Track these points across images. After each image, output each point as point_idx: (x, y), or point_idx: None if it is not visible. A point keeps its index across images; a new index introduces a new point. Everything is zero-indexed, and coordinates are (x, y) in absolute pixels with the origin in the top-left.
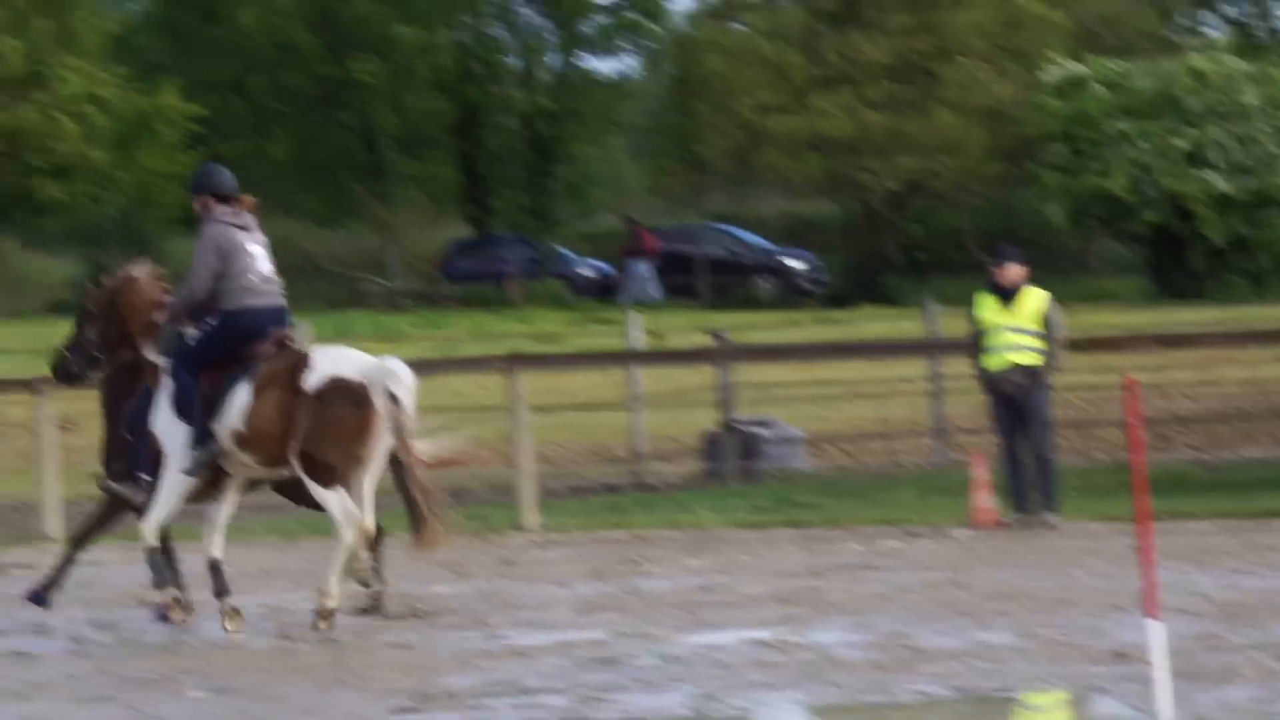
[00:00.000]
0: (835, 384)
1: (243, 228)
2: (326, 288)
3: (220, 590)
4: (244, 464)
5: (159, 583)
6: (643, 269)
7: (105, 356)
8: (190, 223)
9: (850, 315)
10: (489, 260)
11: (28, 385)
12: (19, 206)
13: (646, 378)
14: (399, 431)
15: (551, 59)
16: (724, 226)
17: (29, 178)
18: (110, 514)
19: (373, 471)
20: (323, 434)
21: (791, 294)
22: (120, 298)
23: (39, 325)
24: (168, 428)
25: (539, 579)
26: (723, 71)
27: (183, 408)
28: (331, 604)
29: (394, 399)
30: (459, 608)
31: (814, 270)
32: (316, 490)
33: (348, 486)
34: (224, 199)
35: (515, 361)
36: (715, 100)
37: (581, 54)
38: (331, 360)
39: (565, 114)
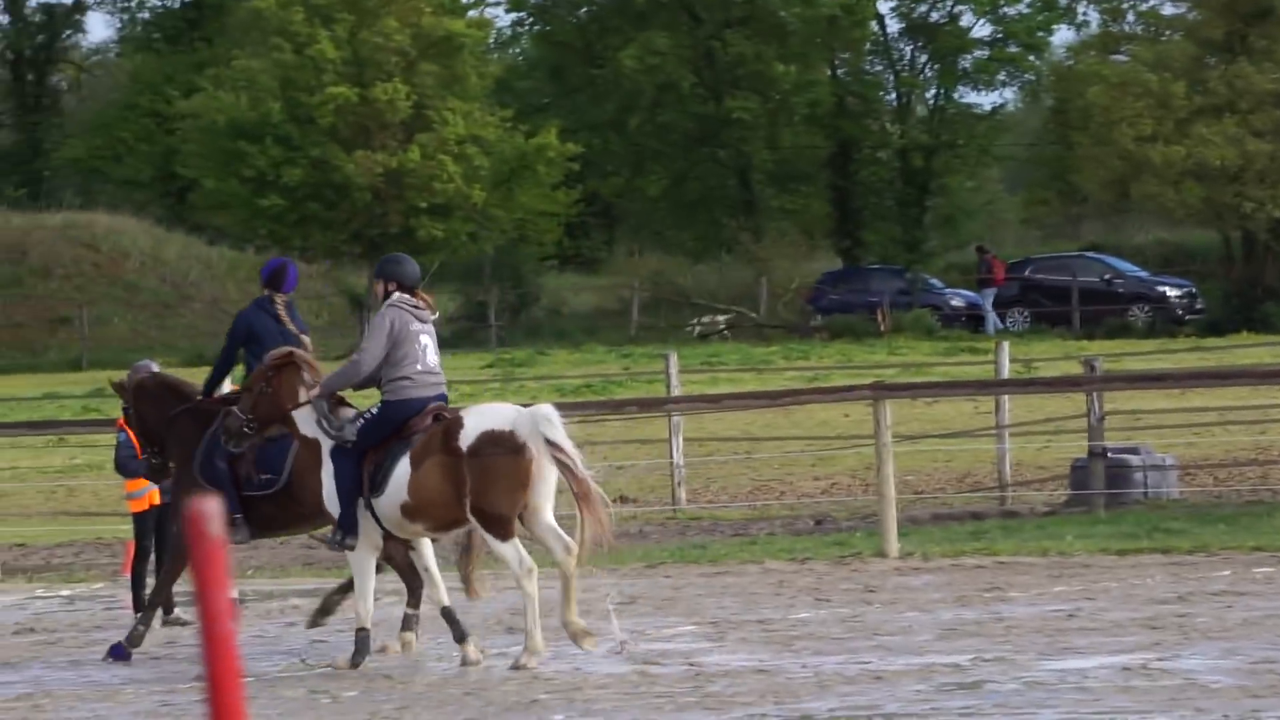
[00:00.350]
0: (1209, 411)
1: (419, 318)
2: (699, 320)
3: (459, 636)
4: (416, 532)
5: (358, 662)
6: (989, 296)
7: (255, 430)
8: (565, 259)
9: (1226, 342)
10: (858, 291)
11: None
12: (401, 245)
13: (1016, 406)
14: (564, 467)
15: (928, 93)
16: (1098, 255)
17: (411, 217)
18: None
19: (546, 509)
20: (486, 487)
21: (1167, 322)
22: (279, 376)
23: None
24: (333, 507)
25: (901, 604)
26: (1104, 102)
27: (341, 488)
28: (534, 662)
29: (549, 441)
30: (820, 633)
31: (1190, 298)
32: (493, 544)
33: (514, 532)
34: (407, 289)
35: (881, 390)
36: (1095, 131)
37: (959, 88)
38: (478, 416)
39: (940, 147)
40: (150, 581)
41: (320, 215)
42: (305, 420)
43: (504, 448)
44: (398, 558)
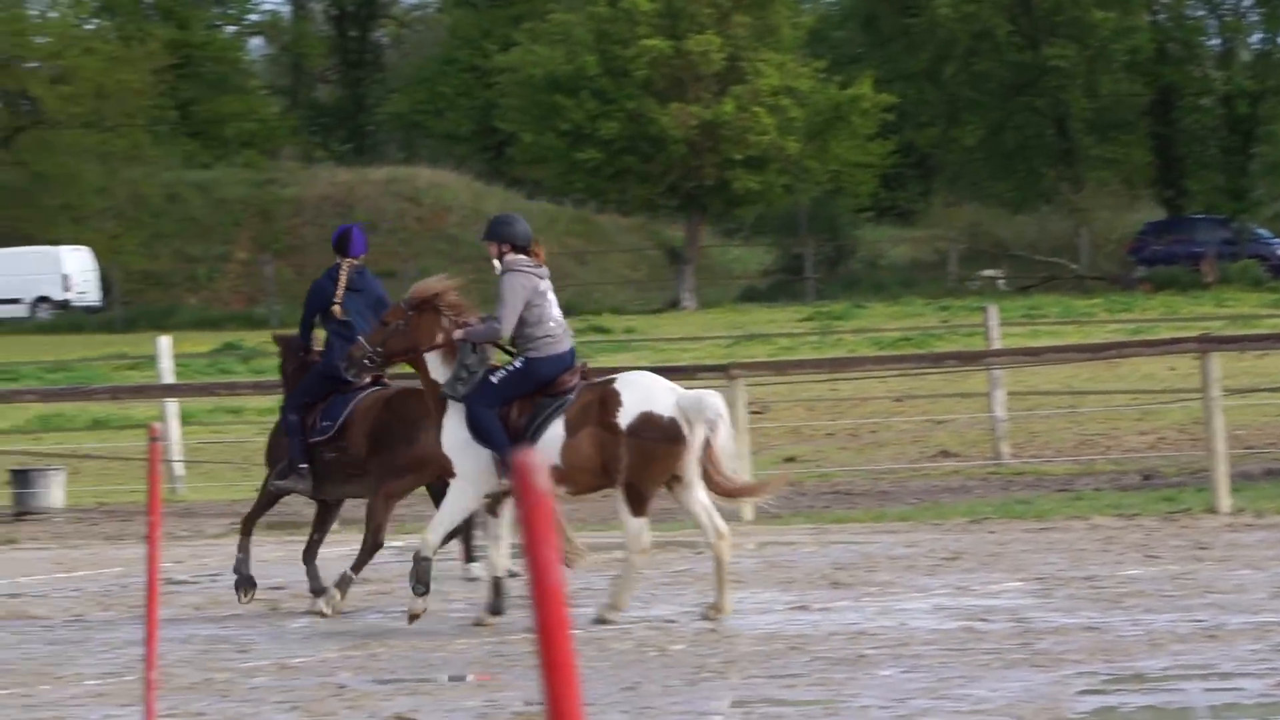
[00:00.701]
0: None
1: (539, 275)
2: (1017, 272)
3: (494, 608)
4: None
5: (420, 591)
6: None
7: (380, 362)
8: (881, 211)
9: None
10: (1183, 242)
11: (724, 370)
12: (716, 198)
13: None
14: (712, 461)
15: (1252, 37)
16: None
17: (726, 170)
18: (269, 503)
19: (698, 485)
20: (641, 468)
21: None
22: (419, 314)
23: (733, 313)
24: (460, 450)
25: (1234, 562)
26: None
27: (483, 436)
28: (615, 616)
29: (709, 429)
30: (1151, 590)
31: None
32: (626, 517)
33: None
34: (521, 249)
35: (1208, 343)
36: None
37: None
38: (637, 392)
39: (1266, 92)
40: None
41: (636, 168)
42: (435, 363)
43: (664, 434)
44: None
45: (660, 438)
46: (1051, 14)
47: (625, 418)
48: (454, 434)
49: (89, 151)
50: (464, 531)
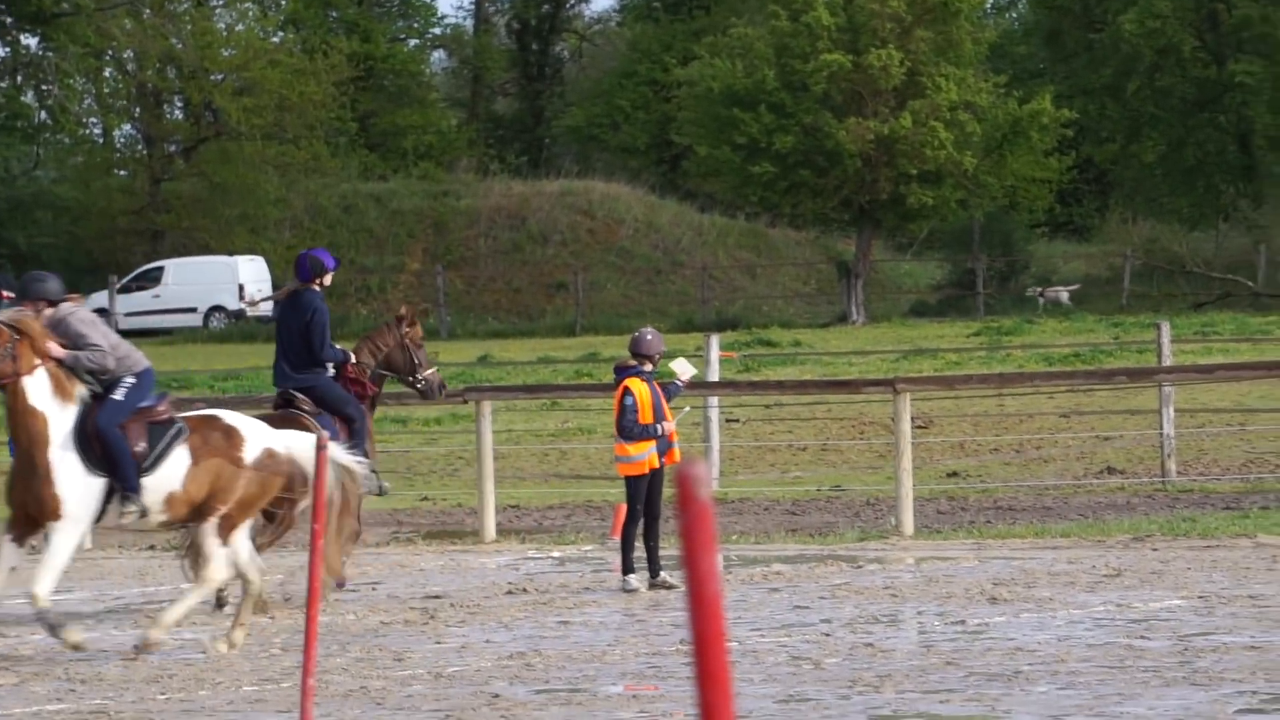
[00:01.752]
0: None
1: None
2: (1192, 289)
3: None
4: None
5: (56, 633)
6: None
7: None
8: (1056, 226)
9: None
10: None
11: (889, 384)
12: (889, 212)
13: None
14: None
15: None
16: None
17: (901, 184)
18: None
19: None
20: (249, 502)
21: None
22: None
23: (901, 328)
24: (72, 485)
25: None
26: None
27: (114, 458)
28: (159, 635)
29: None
30: None
31: None
32: (214, 545)
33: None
34: (55, 303)
35: None
36: None
37: None
38: (259, 431)
39: None
40: (640, 546)
41: (810, 182)
42: (39, 390)
43: (282, 470)
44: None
45: (279, 473)
46: (1238, 29)
47: (250, 452)
48: (68, 468)
49: (268, 163)
50: (627, 543)
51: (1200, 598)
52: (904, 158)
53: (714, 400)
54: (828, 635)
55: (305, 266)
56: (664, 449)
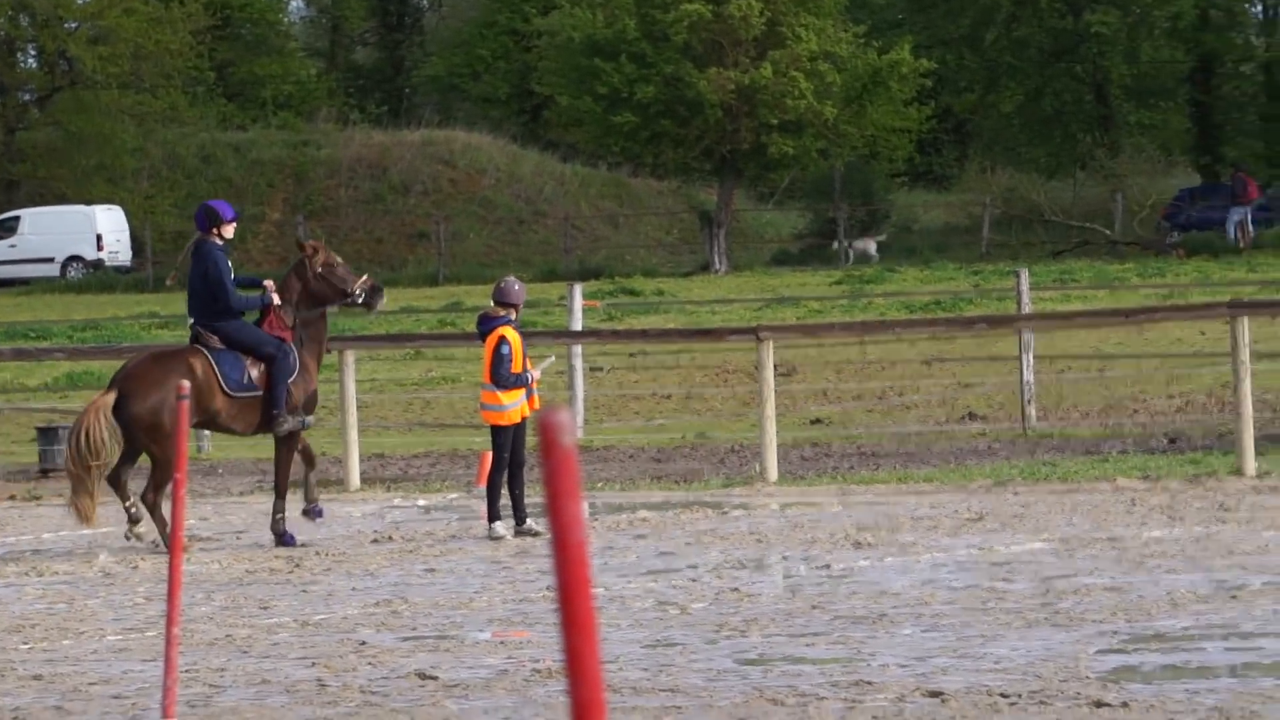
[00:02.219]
0: None
1: None
2: (1051, 238)
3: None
4: None
5: None
6: (1237, 214)
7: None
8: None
9: None
10: (1218, 208)
11: (753, 333)
12: (751, 162)
13: None
14: None
15: None
16: None
17: (762, 134)
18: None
19: None
20: None
21: None
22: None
23: (764, 277)
24: None
25: (1258, 523)
26: None
27: None
28: None
29: None
30: (1173, 551)
31: None
32: None
33: None
34: None
35: (1238, 308)
36: None
37: None
38: None
39: None
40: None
41: (672, 132)
42: None
43: None
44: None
45: None
46: None
47: None
48: None
49: (125, 112)
50: (493, 491)
51: (1061, 541)
52: (765, 108)
53: (578, 349)
54: (694, 581)
55: (201, 217)
56: (525, 396)
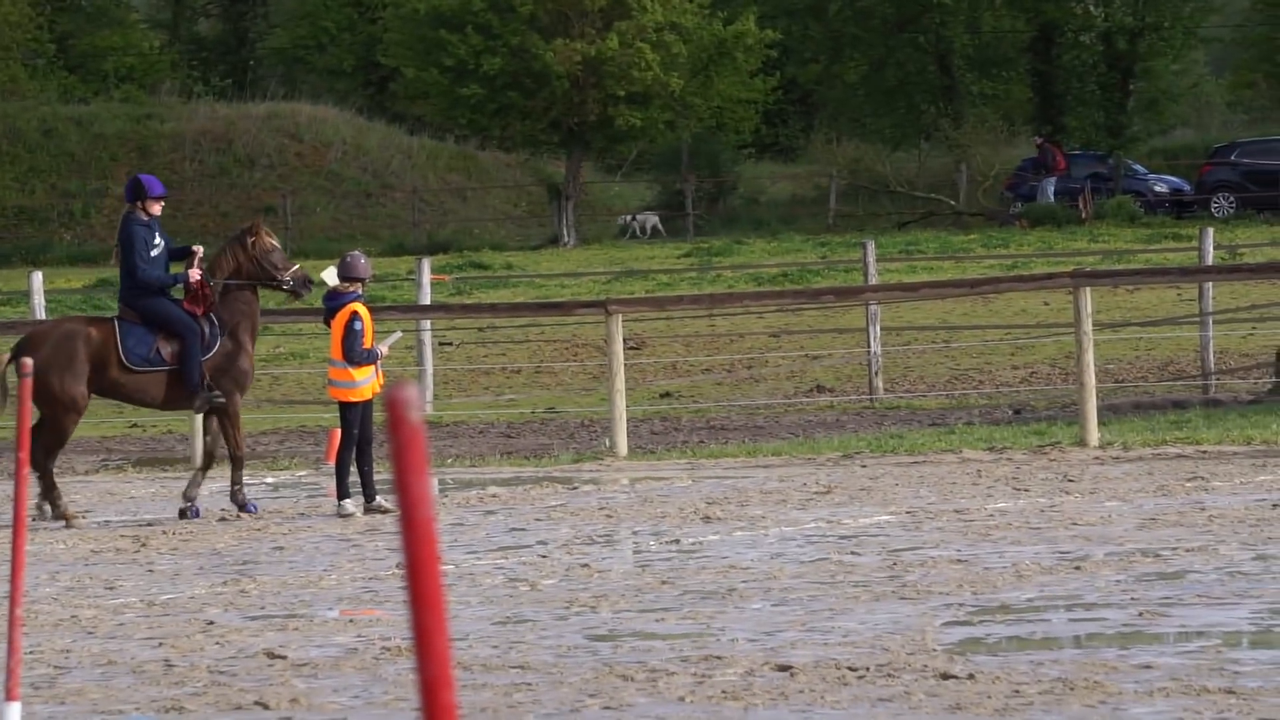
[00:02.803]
0: None
1: None
2: (896, 209)
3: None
4: None
5: None
6: (1051, 185)
7: None
8: (763, 147)
9: None
10: (1060, 178)
11: (601, 306)
12: (599, 134)
13: (1220, 293)
14: None
15: None
16: None
17: (609, 106)
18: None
19: None
20: None
21: None
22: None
23: (612, 249)
24: None
25: (1101, 494)
26: None
27: None
28: None
29: None
30: (1018, 522)
31: None
32: None
33: None
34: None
35: (1081, 278)
36: None
37: None
38: None
39: (1145, 29)
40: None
41: (519, 104)
42: None
43: None
44: None
45: None
46: None
47: None
48: None
49: None
50: (342, 469)
51: (908, 513)
52: (611, 79)
53: (426, 324)
54: (544, 557)
55: (128, 189)
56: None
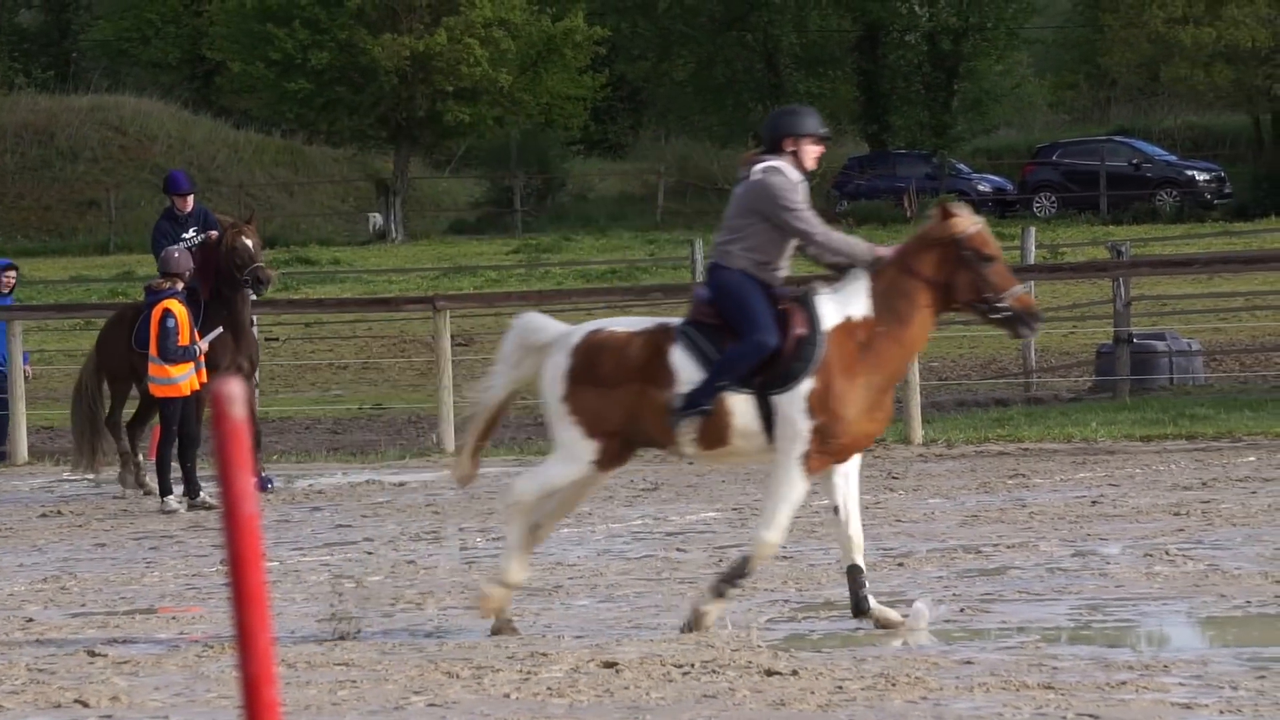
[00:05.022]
0: (1236, 296)
1: None
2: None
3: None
4: None
5: None
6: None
7: None
8: (591, 144)
9: (1254, 227)
10: (885, 176)
11: (429, 302)
12: (427, 129)
13: (1042, 291)
14: None
15: None
16: (1127, 140)
17: (438, 101)
18: None
19: None
20: None
21: (1195, 207)
22: None
23: (440, 245)
24: None
25: (924, 491)
26: None
27: None
28: None
29: None
30: None
31: (1218, 182)
32: None
33: None
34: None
35: None
36: (1125, 13)
37: None
38: None
39: (969, 29)
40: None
41: (346, 99)
42: None
43: None
44: None
45: None
46: None
47: None
48: None
49: None
50: (164, 465)
51: (734, 510)
52: (440, 75)
53: (253, 319)
54: (370, 554)
55: (166, 183)
56: (195, 369)
